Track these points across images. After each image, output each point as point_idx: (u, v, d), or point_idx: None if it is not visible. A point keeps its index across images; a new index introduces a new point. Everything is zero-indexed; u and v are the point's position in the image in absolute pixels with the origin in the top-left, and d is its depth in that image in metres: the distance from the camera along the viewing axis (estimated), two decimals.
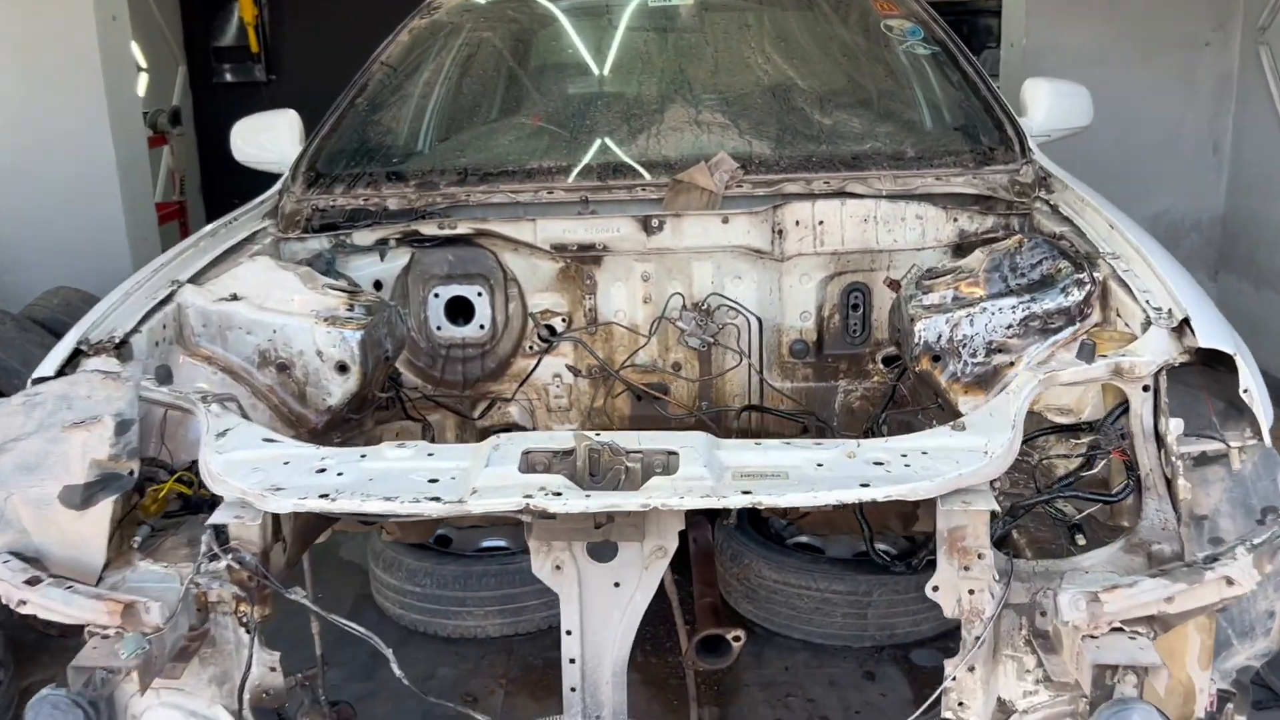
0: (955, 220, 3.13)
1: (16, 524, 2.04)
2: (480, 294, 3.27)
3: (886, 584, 3.52)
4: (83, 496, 2.01)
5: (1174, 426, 2.10)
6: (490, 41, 4.14)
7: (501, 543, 3.91)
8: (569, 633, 2.07)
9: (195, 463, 2.19)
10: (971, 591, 1.94)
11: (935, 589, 1.96)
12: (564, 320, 3.29)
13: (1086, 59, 6.48)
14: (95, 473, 2.04)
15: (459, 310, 3.30)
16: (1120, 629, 1.84)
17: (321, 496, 1.89)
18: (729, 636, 2.68)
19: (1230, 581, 1.87)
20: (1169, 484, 2.12)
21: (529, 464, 1.97)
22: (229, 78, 9.22)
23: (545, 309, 3.30)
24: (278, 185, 3.46)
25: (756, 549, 3.67)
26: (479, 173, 3.39)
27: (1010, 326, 2.50)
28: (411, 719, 3.31)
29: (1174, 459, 2.09)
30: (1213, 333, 2.19)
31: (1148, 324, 2.27)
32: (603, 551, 2.02)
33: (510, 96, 4.00)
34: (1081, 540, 2.15)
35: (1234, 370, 2.17)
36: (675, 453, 1.97)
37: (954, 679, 2.02)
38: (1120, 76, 6.49)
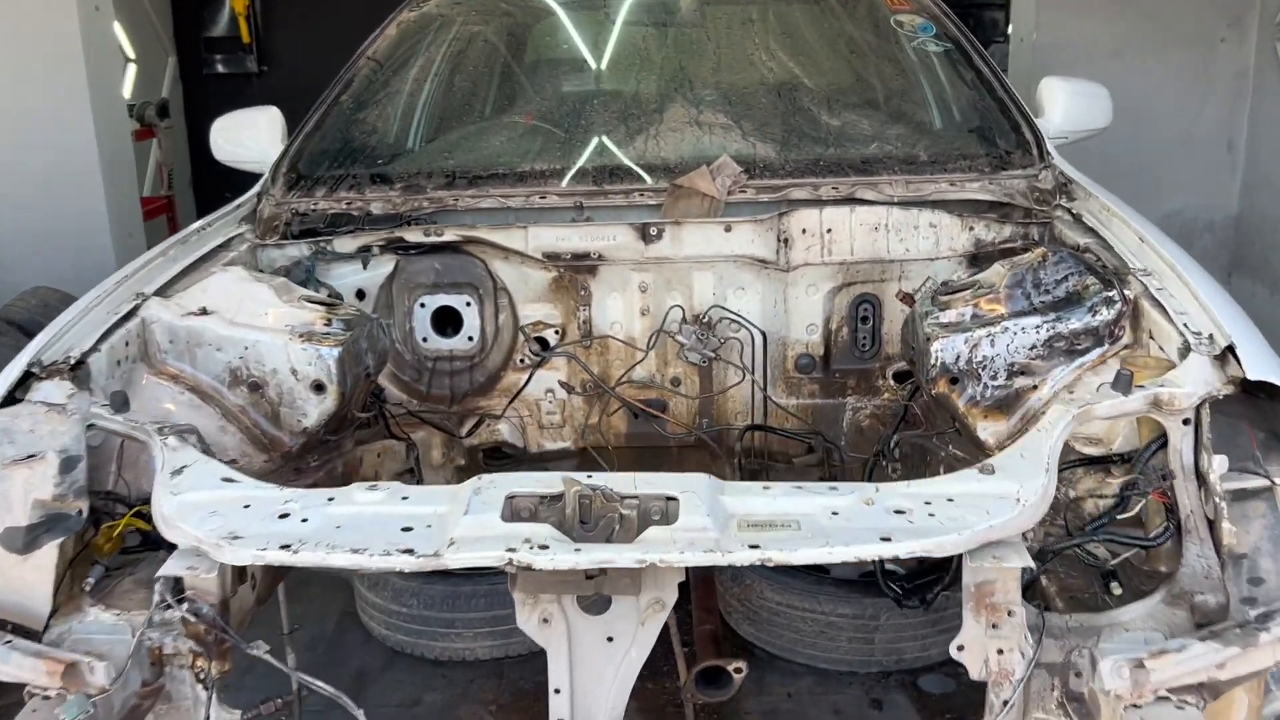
0: (971, 229, 3.00)
1: None
2: (469, 304, 3.15)
3: (894, 607, 3.37)
4: (25, 540, 1.86)
5: (1217, 464, 1.94)
6: (482, 36, 4.00)
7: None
8: (557, 691, 1.92)
9: None
10: (1000, 651, 1.78)
11: (960, 649, 1.80)
12: (557, 332, 3.17)
13: (1098, 54, 6.37)
14: (39, 513, 1.89)
15: (446, 321, 3.18)
16: (1167, 697, 1.68)
17: (283, 548, 1.72)
18: (730, 668, 2.56)
19: None
20: (1211, 525, 1.96)
21: (513, 511, 1.81)
22: (220, 69, 9.15)
23: (537, 320, 3.18)
24: (256, 187, 3.32)
25: (758, 569, 3.50)
26: (468, 176, 3.26)
27: (1034, 347, 2.37)
28: None
29: (1217, 499, 1.94)
30: (1261, 363, 2.02)
31: (1186, 349, 2.12)
32: (595, 603, 1.85)
33: (502, 95, 3.86)
34: (1117, 589, 1.98)
35: (1276, 398, 2.02)
36: (675, 498, 1.80)
37: None
38: (1133, 73, 6.38)
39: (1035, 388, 2.36)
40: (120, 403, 2.14)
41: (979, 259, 2.98)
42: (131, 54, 8.20)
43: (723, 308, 3.07)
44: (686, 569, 1.93)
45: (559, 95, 3.78)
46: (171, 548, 1.92)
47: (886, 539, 1.71)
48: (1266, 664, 1.71)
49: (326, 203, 3.19)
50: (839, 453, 3.08)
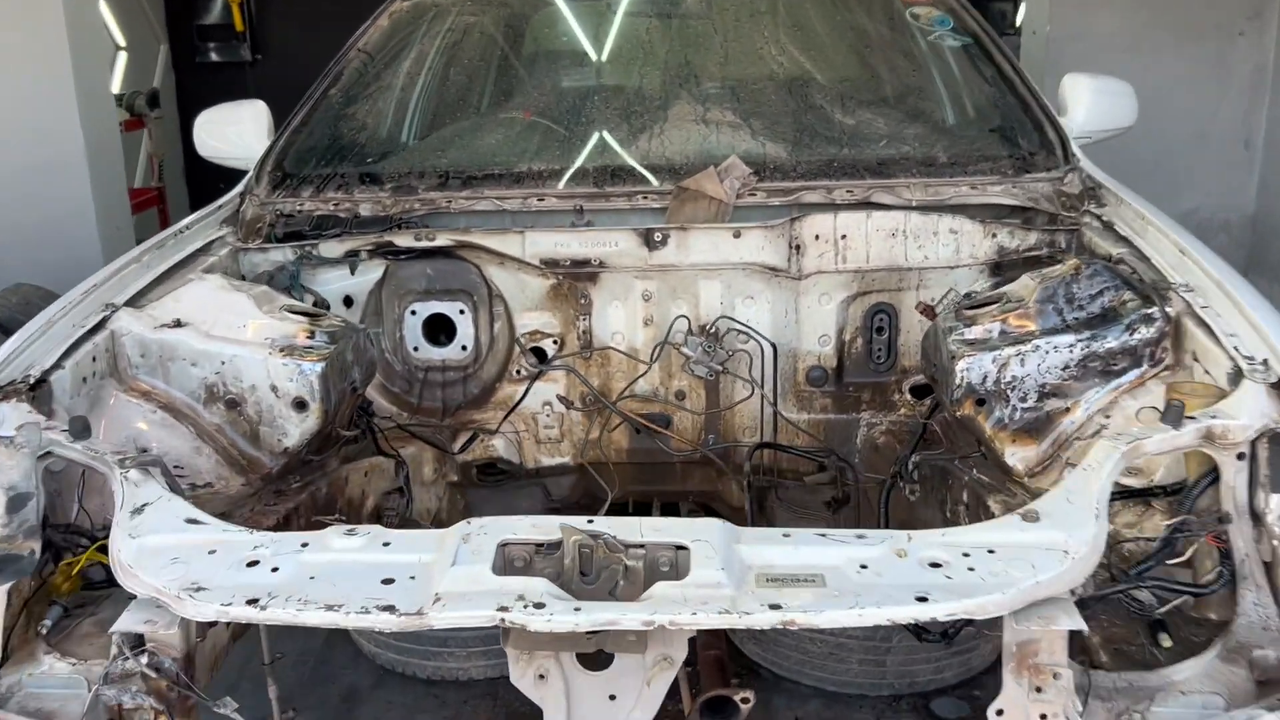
0: (994, 236, 2.85)
1: None
2: (462, 311, 3.01)
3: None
4: None
5: (1275, 504, 1.79)
6: (478, 27, 3.87)
7: None
8: None
9: None
10: (1044, 717, 1.62)
11: (999, 713, 1.63)
12: (555, 343, 3.02)
13: (1114, 48, 6.25)
14: None
15: (439, 329, 3.04)
16: None
17: (250, 602, 1.56)
18: (737, 698, 2.43)
19: None
20: (1269, 570, 1.81)
21: (505, 561, 1.64)
22: (213, 57, 9.07)
23: (534, 330, 3.03)
24: (239, 187, 3.19)
25: None
26: (462, 176, 3.12)
27: (1067, 368, 2.23)
28: None
29: (1275, 542, 1.79)
30: None
31: (1237, 375, 1.97)
32: (596, 657, 1.69)
33: (499, 89, 3.73)
34: (1166, 640, 1.82)
35: None
36: (685, 548, 1.64)
37: None
38: (1149, 67, 6.23)
39: (1068, 410, 2.23)
40: (80, 429, 1.97)
41: (1001, 267, 2.84)
42: (122, 42, 8.10)
43: (731, 318, 2.93)
44: None
45: (558, 90, 3.64)
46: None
47: (923, 598, 1.54)
48: None
49: (313, 204, 3.06)
50: (853, 471, 2.92)
